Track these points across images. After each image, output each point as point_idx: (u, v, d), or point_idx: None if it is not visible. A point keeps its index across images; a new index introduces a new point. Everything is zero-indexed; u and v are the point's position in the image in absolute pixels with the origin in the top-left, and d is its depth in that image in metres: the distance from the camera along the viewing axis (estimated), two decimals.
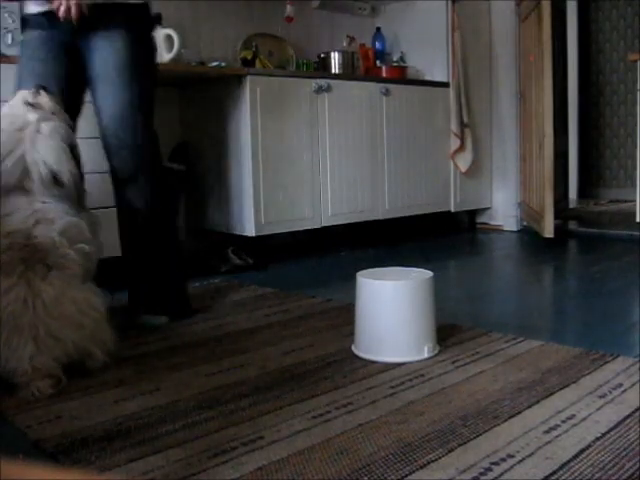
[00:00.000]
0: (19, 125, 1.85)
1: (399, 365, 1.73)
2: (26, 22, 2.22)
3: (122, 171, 2.17)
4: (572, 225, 4.45)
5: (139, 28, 2.17)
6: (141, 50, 2.17)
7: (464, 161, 4.24)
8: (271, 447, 1.27)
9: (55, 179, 1.84)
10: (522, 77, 4.26)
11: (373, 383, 1.61)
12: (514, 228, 4.43)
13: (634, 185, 3.74)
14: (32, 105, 1.90)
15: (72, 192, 1.89)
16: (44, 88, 1.97)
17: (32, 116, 1.87)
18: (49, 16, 2.07)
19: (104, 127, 2.15)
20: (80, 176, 1.97)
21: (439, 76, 4.23)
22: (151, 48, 2.23)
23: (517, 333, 1.99)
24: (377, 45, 4.41)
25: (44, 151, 1.84)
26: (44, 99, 1.94)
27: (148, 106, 2.22)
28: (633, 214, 3.73)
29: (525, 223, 4.37)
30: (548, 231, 3.69)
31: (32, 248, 1.68)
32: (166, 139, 3.49)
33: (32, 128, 1.85)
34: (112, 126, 2.13)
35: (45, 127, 1.87)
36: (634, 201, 3.73)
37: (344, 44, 4.29)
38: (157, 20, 2.52)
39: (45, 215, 1.77)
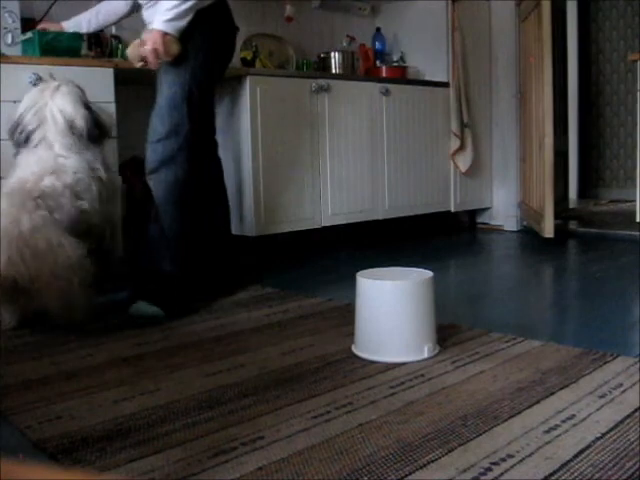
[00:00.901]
0: (42, 87, 2.33)
1: (399, 365, 1.73)
2: None
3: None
4: (572, 225, 4.45)
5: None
6: None
7: (464, 161, 4.24)
8: (271, 447, 1.27)
9: (71, 127, 2.24)
10: (522, 77, 4.26)
11: (373, 383, 1.61)
12: (514, 228, 4.43)
13: (634, 185, 3.74)
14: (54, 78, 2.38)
15: (88, 142, 2.28)
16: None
17: (53, 82, 2.35)
18: None
19: None
20: (99, 130, 2.34)
21: (439, 76, 4.23)
22: None
23: (517, 333, 1.99)
24: (377, 45, 4.41)
25: (61, 103, 2.26)
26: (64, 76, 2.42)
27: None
28: (633, 214, 3.73)
29: (525, 223, 4.37)
30: (548, 231, 3.69)
31: (35, 191, 2.06)
32: None
33: (52, 88, 2.31)
34: None
35: (63, 87, 2.32)
36: (634, 201, 3.73)
37: (344, 44, 4.30)
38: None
39: (61, 168, 2.16)
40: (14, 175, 2.12)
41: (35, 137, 2.21)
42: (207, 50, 2.31)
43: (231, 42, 2.45)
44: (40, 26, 2.72)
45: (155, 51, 2.18)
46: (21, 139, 2.22)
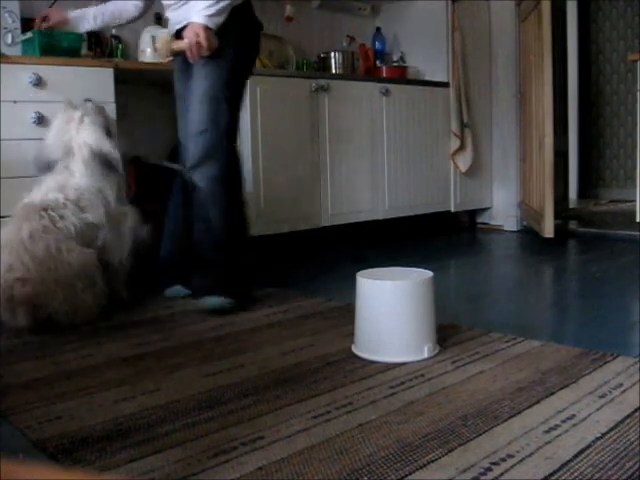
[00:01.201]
0: (67, 119, 2.38)
1: (399, 365, 1.73)
2: None
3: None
4: (572, 225, 4.45)
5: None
6: None
7: (464, 161, 4.24)
8: (271, 447, 1.27)
9: (97, 157, 2.34)
10: (522, 77, 4.26)
11: (373, 383, 1.61)
12: (514, 228, 4.43)
13: (634, 185, 3.74)
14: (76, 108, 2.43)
15: (110, 173, 2.37)
16: (89, 100, 2.55)
17: (77, 113, 2.38)
18: None
19: None
20: (118, 160, 2.40)
21: (439, 76, 4.23)
22: None
23: (517, 333, 1.99)
24: (377, 45, 4.41)
25: (86, 135, 2.34)
26: (88, 104, 2.47)
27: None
28: (633, 214, 3.73)
29: (525, 223, 4.37)
30: (548, 231, 3.69)
31: (40, 204, 2.18)
32: (166, 139, 3.49)
33: (76, 119, 2.37)
34: None
35: (87, 118, 2.38)
36: (634, 201, 3.73)
37: (344, 44, 4.30)
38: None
39: (68, 185, 2.27)
40: (29, 195, 2.25)
41: (59, 166, 2.32)
42: (239, 45, 2.37)
43: (257, 38, 2.50)
44: (43, 12, 2.68)
45: (198, 44, 2.23)
46: (45, 167, 2.33)
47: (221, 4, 2.24)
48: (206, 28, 2.23)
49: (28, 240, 2.10)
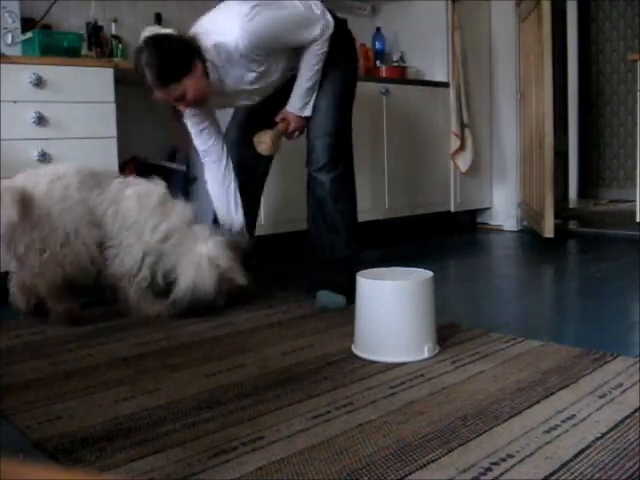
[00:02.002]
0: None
1: (399, 365, 1.73)
2: None
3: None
4: (572, 225, 4.45)
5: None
6: None
7: (464, 161, 4.23)
8: (271, 447, 1.27)
9: None
10: (522, 77, 4.26)
11: (373, 383, 1.61)
12: (514, 228, 4.43)
13: (634, 185, 3.73)
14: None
15: None
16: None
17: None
18: None
19: None
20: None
21: (439, 76, 4.23)
22: None
23: (517, 333, 1.99)
24: (377, 45, 4.40)
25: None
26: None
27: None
28: (633, 214, 3.73)
29: (525, 223, 4.37)
30: (548, 231, 3.69)
31: None
32: (165, 139, 3.49)
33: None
34: None
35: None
36: (634, 201, 3.73)
37: None
38: None
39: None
40: None
41: None
42: (350, 59, 2.57)
43: (355, 49, 2.67)
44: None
45: (297, 130, 2.48)
46: None
47: (313, 95, 2.40)
48: (307, 119, 2.43)
49: None
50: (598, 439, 1.27)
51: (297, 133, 2.50)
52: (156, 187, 2.35)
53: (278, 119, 2.45)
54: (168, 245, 2.28)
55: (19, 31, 2.74)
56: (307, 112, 2.42)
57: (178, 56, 2.15)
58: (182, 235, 2.30)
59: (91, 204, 2.24)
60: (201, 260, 2.25)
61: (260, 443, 1.29)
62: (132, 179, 2.37)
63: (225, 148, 2.52)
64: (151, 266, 2.26)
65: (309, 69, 2.35)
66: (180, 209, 2.35)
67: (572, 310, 2.47)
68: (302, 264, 2.65)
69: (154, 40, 2.16)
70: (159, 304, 2.30)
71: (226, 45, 2.19)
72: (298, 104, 2.41)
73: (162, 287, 2.29)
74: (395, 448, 1.26)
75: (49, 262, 2.14)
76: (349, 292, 2.28)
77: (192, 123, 2.47)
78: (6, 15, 2.70)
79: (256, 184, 2.73)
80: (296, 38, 2.29)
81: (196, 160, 3.50)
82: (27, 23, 2.85)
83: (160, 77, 2.14)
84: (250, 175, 2.66)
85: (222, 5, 2.32)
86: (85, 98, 2.68)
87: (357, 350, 1.84)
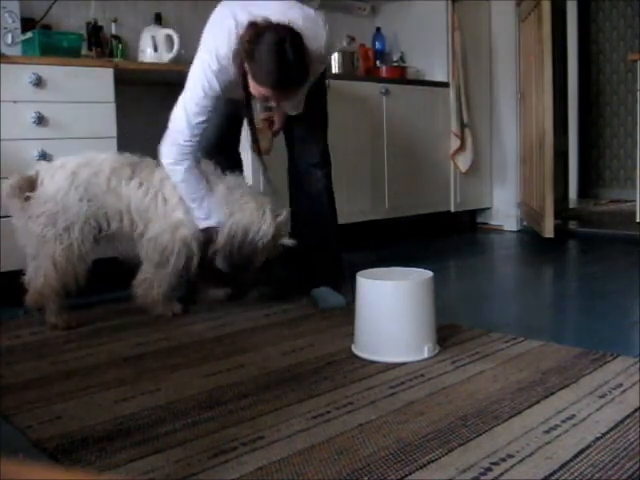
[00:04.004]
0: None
1: (399, 365, 1.73)
2: None
3: None
4: (572, 225, 4.45)
5: None
6: None
7: (464, 161, 4.23)
8: (271, 447, 1.28)
9: None
10: (522, 77, 4.25)
11: (373, 383, 1.61)
12: (514, 228, 4.43)
13: (634, 185, 3.73)
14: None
15: None
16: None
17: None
18: None
19: None
20: None
21: (439, 76, 4.23)
22: None
23: (517, 333, 1.99)
24: (377, 45, 4.40)
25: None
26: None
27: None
28: (633, 214, 3.73)
29: (525, 223, 4.37)
30: (548, 231, 3.69)
31: None
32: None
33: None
34: None
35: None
36: (634, 201, 3.73)
37: (344, 44, 4.29)
38: None
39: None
40: None
41: None
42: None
43: None
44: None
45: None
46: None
47: None
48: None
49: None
50: (598, 439, 1.27)
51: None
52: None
53: (263, 117, 2.48)
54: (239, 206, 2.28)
55: (19, 31, 2.74)
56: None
57: (306, 60, 2.06)
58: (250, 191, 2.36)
59: (125, 194, 2.23)
60: (265, 208, 2.28)
61: (260, 443, 1.29)
62: None
63: None
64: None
65: None
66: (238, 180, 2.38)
67: (572, 310, 2.47)
68: (293, 261, 2.65)
69: (296, 37, 2.02)
70: (176, 304, 2.34)
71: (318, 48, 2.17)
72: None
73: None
74: (395, 448, 1.26)
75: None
76: (342, 285, 2.40)
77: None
78: (6, 15, 2.70)
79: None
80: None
81: None
82: (27, 23, 2.85)
83: (295, 78, 2.06)
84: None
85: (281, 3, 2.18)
86: (85, 98, 2.68)
87: (357, 350, 1.84)
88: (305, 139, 2.49)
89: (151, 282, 2.28)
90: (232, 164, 2.51)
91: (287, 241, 2.31)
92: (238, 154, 2.73)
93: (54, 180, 2.17)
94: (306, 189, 2.52)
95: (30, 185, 2.17)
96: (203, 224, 2.26)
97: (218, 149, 2.45)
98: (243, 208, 2.26)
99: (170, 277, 2.29)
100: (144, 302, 2.29)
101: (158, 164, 2.29)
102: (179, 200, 2.25)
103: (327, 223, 2.54)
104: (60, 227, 2.14)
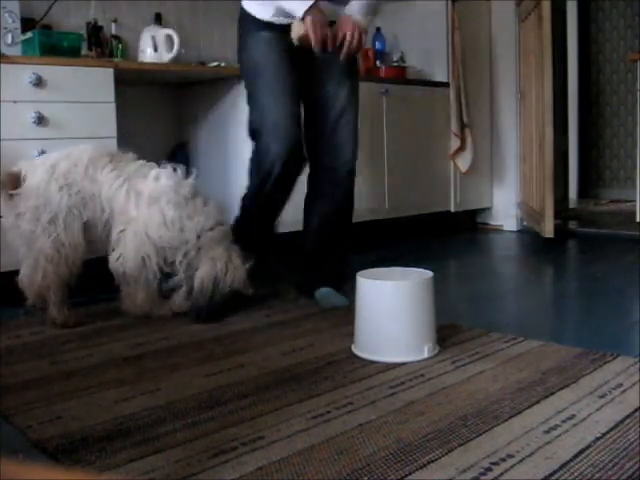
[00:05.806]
0: None
1: (399, 365, 1.73)
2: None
3: None
4: (572, 225, 4.45)
5: None
6: None
7: (464, 161, 4.23)
8: (271, 447, 1.28)
9: None
10: (522, 77, 4.25)
11: (373, 383, 1.61)
12: (514, 228, 4.43)
13: (634, 185, 3.73)
14: None
15: None
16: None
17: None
18: None
19: None
20: None
21: (439, 76, 4.23)
22: None
23: (517, 333, 1.99)
24: (377, 45, 4.40)
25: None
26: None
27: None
28: (633, 214, 3.73)
29: (525, 223, 4.37)
30: (548, 231, 3.69)
31: None
32: (165, 139, 3.49)
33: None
34: None
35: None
36: (634, 201, 3.73)
37: None
38: None
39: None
40: None
41: None
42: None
43: None
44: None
45: (359, 44, 2.31)
46: None
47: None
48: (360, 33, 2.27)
49: None
50: (598, 439, 1.27)
51: (348, 43, 2.26)
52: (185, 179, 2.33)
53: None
54: (203, 239, 2.25)
55: (19, 31, 2.74)
56: (364, 23, 2.31)
57: None
58: (219, 230, 2.29)
59: (100, 179, 2.21)
60: (232, 253, 2.26)
61: (260, 443, 1.29)
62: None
63: None
64: (180, 259, 2.24)
65: None
66: (211, 205, 2.33)
67: (572, 310, 2.47)
68: (296, 262, 2.65)
69: None
70: (166, 305, 2.30)
71: None
72: (358, 10, 2.30)
73: (170, 284, 2.29)
74: (395, 448, 1.26)
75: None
76: (343, 285, 2.41)
77: None
78: (6, 15, 2.70)
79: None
80: None
81: (196, 160, 3.51)
82: (27, 23, 2.85)
83: None
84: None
85: None
86: (85, 98, 2.68)
87: (357, 350, 1.84)
88: (338, 136, 2.40)
89: (133, 295, 2.26)
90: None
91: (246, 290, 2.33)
92: None
93: (35, 175, 2.18)
94: (331, 193, 2.47)
95: (15, 182, 2.17)
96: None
97: None
98: (210, 256, 2.24)
99: (146, 285, 2.25)
100: (135, 313, 2.28)
101: (138, 158, 2.30)
102: (149, 195, 2.22)
103: (348, 224, 2.53)
104: (45, 220, 2.14)
